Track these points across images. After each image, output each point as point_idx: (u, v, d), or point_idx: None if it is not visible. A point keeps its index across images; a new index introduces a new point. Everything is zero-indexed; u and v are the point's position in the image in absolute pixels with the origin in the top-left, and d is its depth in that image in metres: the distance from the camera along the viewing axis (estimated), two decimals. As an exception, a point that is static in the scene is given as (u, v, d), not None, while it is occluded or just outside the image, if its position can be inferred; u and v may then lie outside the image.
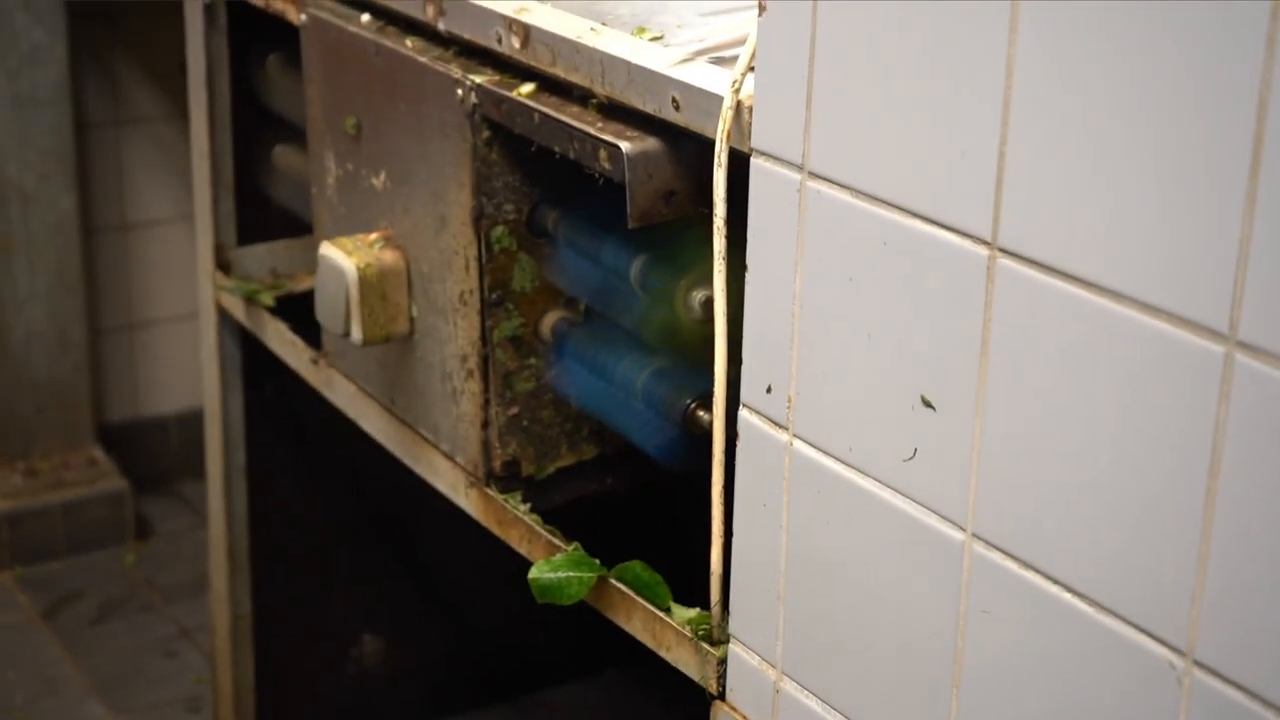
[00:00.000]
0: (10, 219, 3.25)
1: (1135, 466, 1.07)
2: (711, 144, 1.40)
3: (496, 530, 1.79)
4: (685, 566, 1.63)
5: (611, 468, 1.84)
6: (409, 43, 1.81)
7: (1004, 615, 1.19)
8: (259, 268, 2.40)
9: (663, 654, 1.56)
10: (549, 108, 1.60)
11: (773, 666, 1.42)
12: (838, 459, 1.31)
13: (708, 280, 1.50)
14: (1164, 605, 1.06)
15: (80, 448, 3.43)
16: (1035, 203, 1.10)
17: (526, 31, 1.64)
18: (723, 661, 1.48)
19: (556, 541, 1.69)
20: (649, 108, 1.50)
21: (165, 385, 3.60)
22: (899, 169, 1.20)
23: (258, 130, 2.37)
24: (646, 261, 1.60)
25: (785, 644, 1.40)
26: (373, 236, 1.87)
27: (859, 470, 1.29)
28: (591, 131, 1.54)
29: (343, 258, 1.84)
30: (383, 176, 1.86)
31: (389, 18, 1.89)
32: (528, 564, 1.67)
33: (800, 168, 1.29)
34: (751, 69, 1.35)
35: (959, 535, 1.21)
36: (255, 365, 2.46)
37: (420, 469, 1.92)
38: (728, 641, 1.47)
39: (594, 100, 1.59)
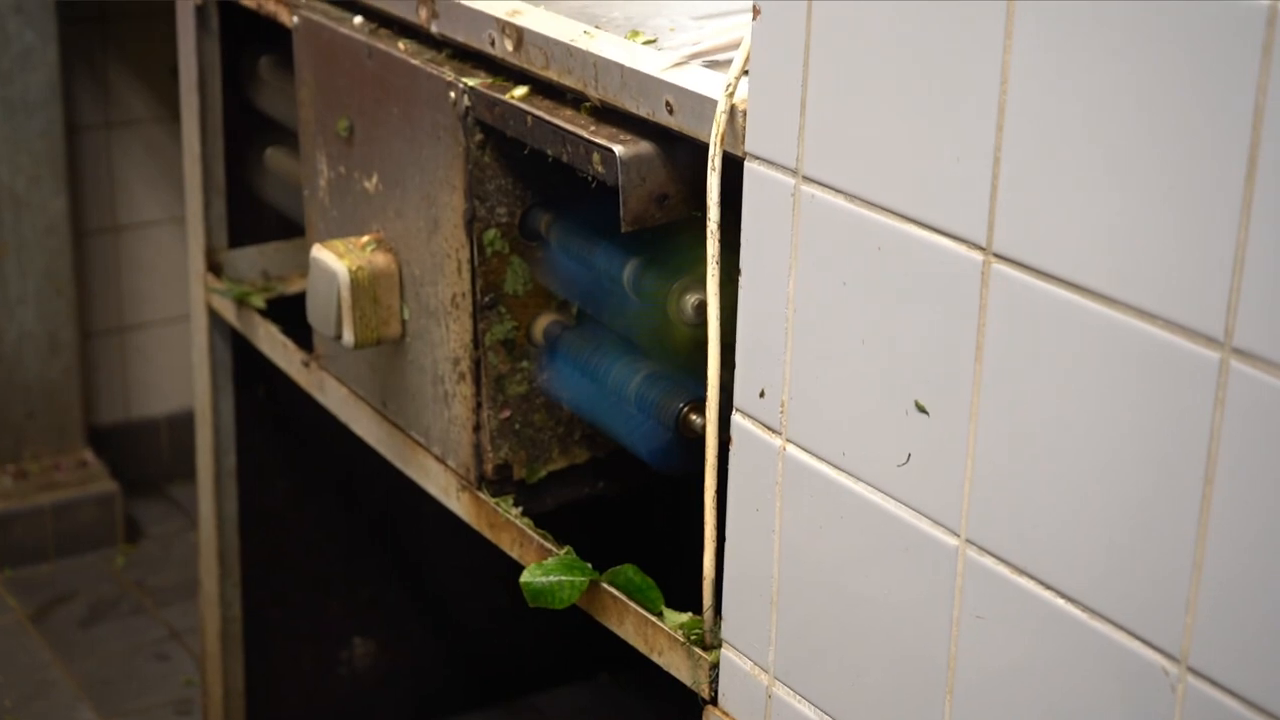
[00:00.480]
0: (2, 222, 3.24)
1: (1130, 473, 1.06)
2: (705, 148, 1.40)
3: (488, 534, 1.79)
4: (677, 571, 1.63)
5: (603, 471, 1.83)
6: (401, 45, 1.81)
7: (998, 621, 1.18)
8: (250, 270, 2.40)
9: (655, 658, 1.56)
10: (542, 111, 1.60)
11: (765, 672, 1.42)
12: (831, 464, 1.31)
13: (701, 284, 1.50)
14: (1158, 611, 1.06)
15: (71, 450, 3.42)
16: (1030, 208, 1.10)
17: (520, 34, 1.63)
18: (715, 666, 1.48)
19: (548, 545, 1.69)
20: (642, 111, 1.49)
21: (156, 387, 3.60)
22: (893, 174, 1.20)
23: (249, 132, 2.37)
24: (639, 265, 1.60)
25: (778, 649, 1.40)
26: (365, 239, 1.87)
27: (852, 475, 1.29)
28: (585, 135, 1.53)
29: (335, 260, 1.83)
30: (375, 179, 1.86)
31: (381, 20, 1.88)
32: (519, 567, 1.67)
33: (794, 172, 1.29)
34: (745, 73, 1.35)
35: (952, 541, 1.21)
36: (246, 368, 2.45)
37: (412, 472, 1.92)
38: (720, 646, 1.47)
39: (587, 103, 1.58)
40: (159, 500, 3.58)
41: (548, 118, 1.58)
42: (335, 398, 2.07)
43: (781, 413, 1.35)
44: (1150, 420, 1.04)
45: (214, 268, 2.38)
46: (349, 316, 1.83)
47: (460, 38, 1.73)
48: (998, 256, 1.13)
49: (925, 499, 1.23)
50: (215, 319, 2.41)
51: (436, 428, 1.84)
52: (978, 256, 1.15)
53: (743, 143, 1.34)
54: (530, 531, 1.72)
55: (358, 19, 1.90)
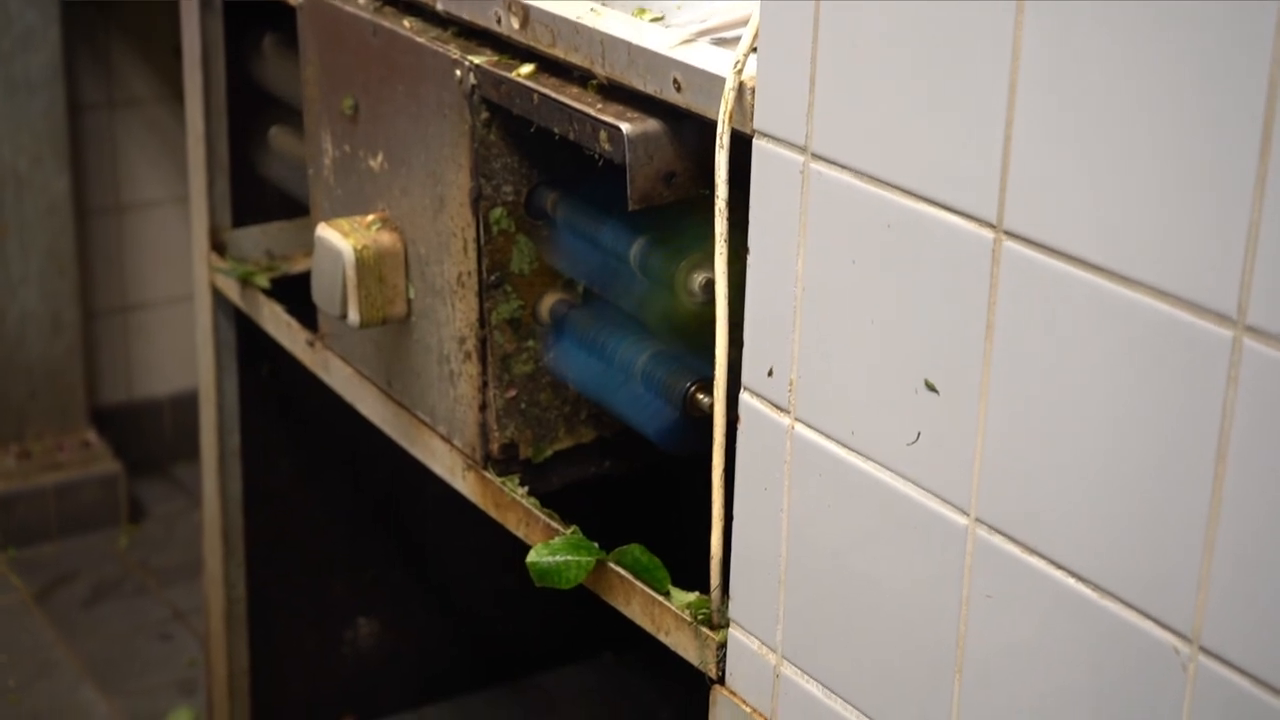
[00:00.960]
0: (3, 202, 3.24)
1: (1141, 451, 1.06)
2: (713, 125, 1.39)
3: (494, 513, 1.79)
4: (683, 551, 1.63)
5: (610, 451, 1.83)
6: (407, 23, 1.80)
7: (1008, 600, 1.18)
8: (254, 249, 2.39)
9: (662, 638, 1.55)
10: (548, 89, 1.59)
11: (773, 651, 1.41)
12: (840, 443, 1.30)
13: (708, 262, 1.50)
14: (1170, 591, 1.05)
15: (73, 430, 3.42)
16: (1041, 185, 1.10)
17: (526, 12, 1.63)
18: (722, 646, 1.48)
19: (554, 525, 1.69)
20: (650, 89, 1.49)
21: (159, 367, 3.60)
22: (903, 151, 1.20)
23: (253, 111, 2.36)
24: (646, 244, 1.59)
25: (786, 629, 1.39)
26: (370, 218, 1.86)
27: (861, 454, 1.29)
28: (591, 113, 1.53)
29: (340, 239, 1.83)
30: (380, 158, 1.85)
31: (386, -2, 1.88)
32: (523, 547, 1.66)
33: (803, 150, 1.28)
34: (754, 50, 1.34)
35: (962, 520, 1.21)
36: (250, 347, 2.45)
37: (417, 451, 1.92)
38: (727, 626, 1.47)
39: (594, 81, 1.58)
40: (161, 480, 3.58)
41: (554, 95, 1.58)
42: (340, 377, 2.06)
43: (790, 391, 1.34)
44: (1162, 398, 1.04)
45: (218, 247, 2.38)
46: (354, 295, 1.82)
47: (466, 15, 1.72)
48: (1008, 234, 1.13)
49: (935, 478, 1.22)
50: (219, 298, 2.40)
51: (442, 407, 1.83)
52: (988, 234, 1.14)
53: (751, 120, 1.34)
54: (536, 511, 1.71)
55: (362, -3, 1.90)
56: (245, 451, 2.52)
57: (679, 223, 1.57)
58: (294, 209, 2.35)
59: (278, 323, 2.22)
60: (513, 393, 1.76)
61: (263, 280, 2.30)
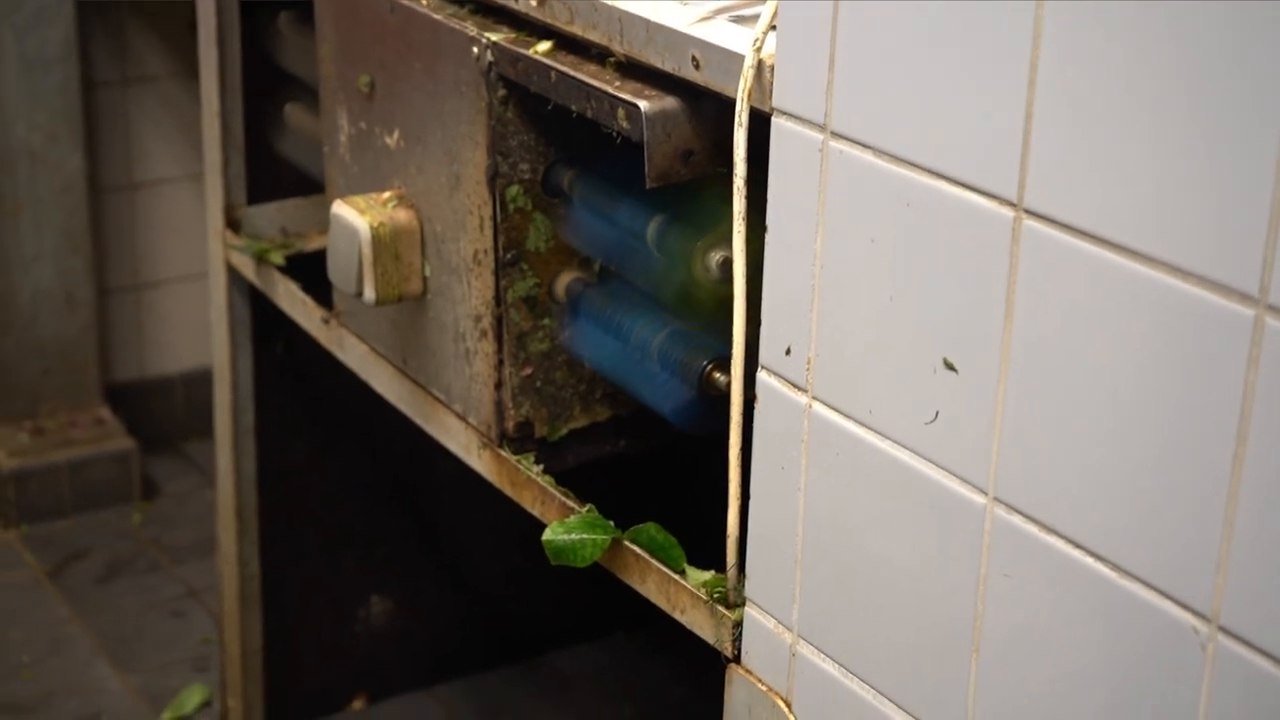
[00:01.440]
0: (18, 179, 3.24)
1: (1161, 431, 1.06)
2: (731, 103, 1.39)
3: (509, 491, 1.79)
4: (699, 530, 1.62)
5: (625, 430, 1.83)
6: (424, 0, 1.80)
7: (1025, 580, 1.18)
8: (269, 227, 2.39)
9: (677, 616, 1.55)
10: (566, 66, 1.59)
11: (789, 630, 1.41)
12: (858, 421, 1.30)
13: (726, 241, 1.49)
14: (1189, 570, 1.05)
15: (87, 407, 3.43)
16: (1062, 164, 1.09)
17: (543, -11, 1.62)
18: (738, 625, 1.48)
19: (570, 503, 1.69)
20: (668, 66, 1.48)
21: (172, 345, 3.60)
22: (923, 129, 1.19)
23: (268, 88, 2.36)
24: (664, 222, 1.59)
25: (802, 608, 1.39)
26: (386, 195, 1.86)
27: (879, 433, 1.28)
28: (609, 90, 1.52)
29: (356, 216, 1.82)
30: (396, 135, 1.85)
31: (403, -25, 1.87)
32: (537, 525, 1.66)
33: (822, 128, 1.28)
34: (773, 27, 1.34)
35: (980, 499, 1.20)
36: (265, 325, 2.45)
37: (432, 429, 1.92)
38: (743, 605, 1.47)
39: (612, 59, 1.57)
40: (175, 457, 3.58)
41: (572, 73, 1.57)
42: (355, 355, 2.06)
43: (808, 370, 1.34)
44: (1183, 378, 1.04)
45: (233, 224, 2.38)
46: (370, 273, 1.82)
47: (483, -8, 1.72)
48: (1029, 213, 1.12)
49: (953, 457, 1.22)
50: (234, 276, 2.40)
51: (458, 385, 1.83)
52: (1009, 213, 1.14)
53: (770, 98, 1.33)
54: (552, 489, 1.71)
55: (379, -26, 1.89)
56: (259, 429, 2.52)
57: (696, 201, 1.57)
58: (309, 186, 2.35)
59: (293, 300, 2.22)
60: (528, 371, 1.76)
61: (278, 257, 2.30)
